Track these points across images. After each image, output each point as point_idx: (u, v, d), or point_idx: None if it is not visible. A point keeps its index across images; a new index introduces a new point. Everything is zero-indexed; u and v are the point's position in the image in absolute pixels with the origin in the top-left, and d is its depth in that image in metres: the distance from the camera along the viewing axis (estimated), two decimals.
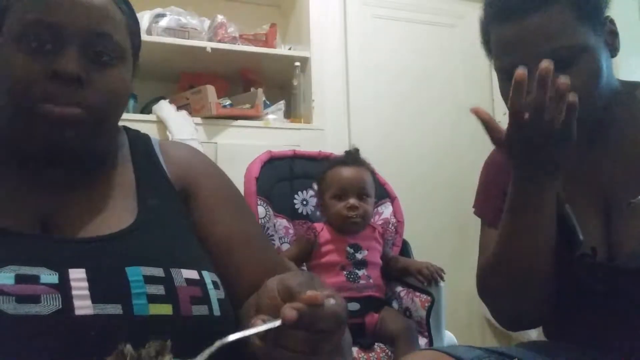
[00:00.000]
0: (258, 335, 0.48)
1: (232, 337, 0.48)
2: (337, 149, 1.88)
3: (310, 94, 2.45)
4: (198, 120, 2.18)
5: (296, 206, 1.75)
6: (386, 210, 1.80)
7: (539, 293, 0.89)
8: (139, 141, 0.81)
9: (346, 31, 2.65)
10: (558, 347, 0.93)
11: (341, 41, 2.64)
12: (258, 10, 2.73)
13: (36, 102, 0.63)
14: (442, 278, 1.54)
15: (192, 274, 0.66)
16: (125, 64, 0.71)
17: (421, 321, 1.49)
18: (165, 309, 0.62)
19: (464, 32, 2.78)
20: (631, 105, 0.91)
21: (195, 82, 2.34)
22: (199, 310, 0.64)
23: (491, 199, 0.99)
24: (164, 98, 2.25)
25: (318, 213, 1.75)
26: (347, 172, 1.58)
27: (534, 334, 1.92)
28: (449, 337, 1.58)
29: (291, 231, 1.69)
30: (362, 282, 1.50)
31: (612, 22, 0.89)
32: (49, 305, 0.56)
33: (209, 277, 0.68)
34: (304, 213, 1.75)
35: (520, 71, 0.74)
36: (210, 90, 2.20)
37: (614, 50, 0.89)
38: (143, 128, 0.85)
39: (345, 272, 1.50)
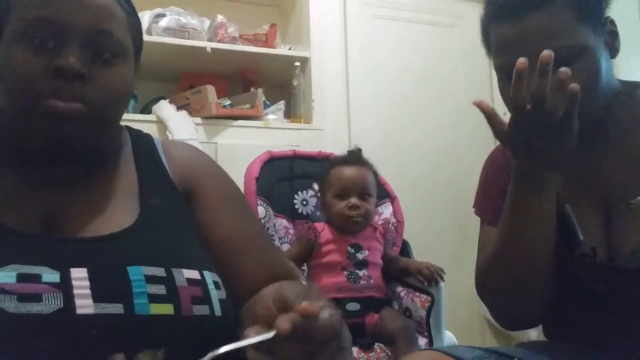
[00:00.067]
0: (252, 344, 0.48)
1: (226, 348, 0.48)
2: (337, 149, 1.88)
3: (310, 94, 2.45)
4: (198, 120, 2.18)
5: (296, 206, 1.75)
6: (386, 210, 1.80)
7: (539, 293, 0.90)
8: (141, 141, 0.81)
9: (346, 31, 2.65)
10: (558, 347, 0.93)
11: (341, 41, 2.64)
12: (258, 10, 2.73)
13: (39, 99, 0.64)
14: (442, 278, 1.54)
15: (194, 274, 0.67)
16: (126, 62, 0.71)
17: (421, 321, 1.49)
18: (167, 309, 0.62)
19: (464, 32, 2.78)
20: (631, 105, 0.91)
21: (195, 82, 2.34)
22: (200, 310, 0.64)
23: (491, 199, 0.99)
24: (164, 98, 2.25)
25: (318, 213, 1.75)
26: (349, 171, 1.58)
27: (534, 334, 1.92)
28: (449, 337, 1.58)
29: (291, 231, 1.69)
30: (362, 282, 1.50)
31: (612, 22, 0.89)
32: (51, 304, 0.56)
33: (210, 277, 0.69)
34: (304, 213, 1.75)
35: (522, 60, 0.74)
36: (210, 90, 2.20)
37: (614, 50, 0.89)
38: (143, 128, 0.85)
39: (346, 273, 1.50)
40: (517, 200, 0.86)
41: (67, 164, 0.70)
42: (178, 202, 0.76)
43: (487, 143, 2.33)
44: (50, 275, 0.58)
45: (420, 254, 1.75)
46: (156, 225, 0.70)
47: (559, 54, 0.78)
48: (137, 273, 0.62)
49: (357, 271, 1.51)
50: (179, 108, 2.19)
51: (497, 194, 0.96)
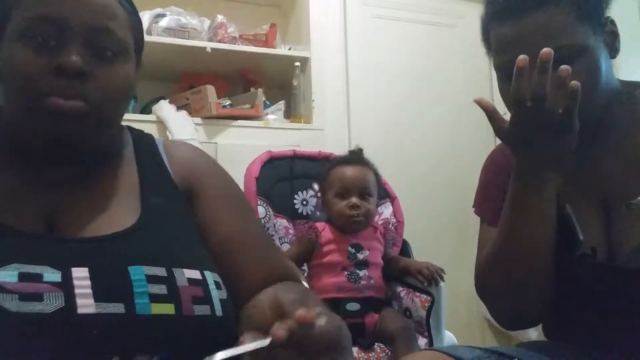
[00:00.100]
0: (248, 351, 0.48)
1: (221, 355, 0.47)
2: (337, 149, 1.88)
3: (310, 94, 2.45)
4: (198, 120, 2.18)
5: (296, 206, 1.75)
6: (386, 210, 1.80)
7: (538, 293, 0.89)
8: (143, 141, 0.81)
9: (346, 31, 2.65)
10: (558, 347, 0.93)
11: (341, 41, 2.64)
12: (258, 10, 2.73)
13: (40, 97, 0.64)
14: (442, 278, 1.54)
15: (195, 274, 0.67)
16: (128, 61, 0.72)
17: (421, 321, 1.49)
18: (168, 309, 0.62)
19: (464, 32, 2.78)
20: (631, 105, 0.91)
21: (195, 82, 2.34)
22: (201, 310, 0.64)
23: (491, 199, 0.99)
24: (164, 98, 2.25)
25: (318, 213, 1.75)
26: (350, 171, 1.58)
27: (534, 334, 1.93)
28: (449, 337, 1.57)
29: (291, 231, 1.69)
30: (363, 282, 1.50)
31: (612, 22, 0.89)
32: (52, 303, 0.56)
33: (211, 277, 0.69)
34: (304, 213, 1.75)
35: (522, 57, 0.75)
36: (210, 90, 2.20)
37: (614, 51, 0.89)
38: (143, 128, 0.85)
39: (346, 273, 1.50)
40: (517, 200, 0.86)
41: (68, 163, 0.70)
42: (179, 202, 0.76)
43: (487, 143, 2.34)
44: (52, 275, 0.58)
45: (420, 254, 1.75)
46: (157, 225, 0.70)
47: (559, 53, 0.78)
48: (138, 273, 0.62)
49: (358, 271, 1.51)
50: (179, 108, 2.19)
51: (497, 194, 0.96)
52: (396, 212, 1.80)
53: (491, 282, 0.93)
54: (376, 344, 1.45)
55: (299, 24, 2.61)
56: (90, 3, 0.67)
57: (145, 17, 2.20)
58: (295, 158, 1.80)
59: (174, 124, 2.08)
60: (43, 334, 0.55)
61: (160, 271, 0.64)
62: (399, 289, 1.61)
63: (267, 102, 2.42)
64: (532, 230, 0.86)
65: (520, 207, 0.86)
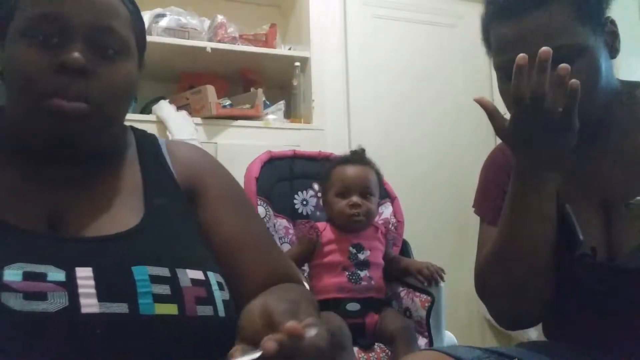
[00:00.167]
0: None
1: None
2: (337, 149, 1.88)
3: (310, 94, 2.45)
4: (198, 120, 2.18)
5: (296, 206, 1.75)
6: (386, 210, 1.80)
7: (538, 292, 0.89)
8: (146, 141, 0.81)
9: (346, 31, 2.65)
10: (558, 347, 0.93)
11: (341, 41, 2.64)
12: (258, 10, 2.73)
13: (44, 97, 0.64)
14: (442, 278, 1.54)
15: (198, 274, 0.67)
16: (130, 60, 0.72)
17: (421, 321, 1.49)
18: (171, 309, 0.62)
19: (464, 32, 2.78)
20: (631, 105, 0.91)
21: (195, 82, 2.34)
22: (204, 310, 0.64)
23: (491, 198, 0.99)
24: (164, 98, 2.25)
25: (318, 213, 1.75)
26: (351, 170, 1.58)
27: (534, 334, 1.92)
28: (449, 337, 1.57)
29: (291, 231, 1.69)
30: (363, 283, 1.49)
31: (612, 22, 0.89)
32: (56, 302, 0.57)
33: (214, 277, 0.69)
34: (304, 213, 1.75)
35: (522, 55, 0.75)
36: (210, 90, 2.20)
37: (614, 51, 0.89)
38: (143, 128, 0.85)
39: (347, 273, 1.50)
40: (516, 200, 0.86)
41: (70, 163, 0.70)
42: (182, 202, 0.76)
43: (487, 143, 2.33)
44: (56, 274, 0.58)
45: (420, 254, 1.75)
46: (161, 226, 0.71)
47: (559, 53, 0.78)
48: (141, 273, 0.62)
49: (359, 272, 1.51)
50: (179, 108, 2.19)
51: (497, 194, 0.96)
52: (396, 212, 1.80)
53: (491, 282, 0.93)
54: (376, 344, 1.45)
55: (299, 24, 2.61)
56: (93, 2, 0.68)
57: (145, 17, 2.20)
58: (295, 158, 1.80)
59: (174, 124, 2.08)
60: (47, 333, 0.55)
61: (164, 271, 0.64)
62: (399, 289, 1.61)
63: (267, 102, 2.42)
64: (532, 230, 0.86)
65: (520, 206, 0.86)
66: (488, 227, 0.99)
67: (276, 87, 2.60)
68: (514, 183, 0.86)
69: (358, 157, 1.64)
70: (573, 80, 0.74)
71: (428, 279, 1.52)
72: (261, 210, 1.61)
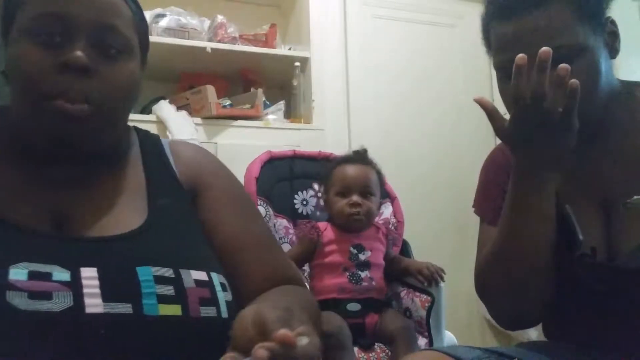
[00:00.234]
0: None
1: None
2: (337, 149, 1.88)
3: (310, 94, 2.45)
4: (198, 120, 2.18)
5: (296, 206, 1.75)
6: (386, 210, 1.80)
7: (538, 292, 0.89)
8: (149, 141, 0.82)
9: (346, 31, 2.66)
10: (558, 347, 0.93)
11: (341, 41, 2.64)
12: (258, 10, 2.73)
13: (47, 98, 0.64)
14: (442, 278, 1.54)
15: (201, 275, 0.67)
16: (132, 59, 0.72)
17: (421, 321, 1.49)
18: (175, 310, 0.62)
19: (464, 32, 2.78)
20: (631, 105, 0.91)
21: (195, 82, 2.34)
22: (207, 311, 0.65)
23: (491, 198, 0.99)
24: (164, 98, 2.25)
25: (318, 213, 1.75)
26: (351, 169, 1.58)
27: (534, 334, 1.92)
28: (449, 337, 1.57)
29: (291, 231, 1.69)
30: (364, 284, 1.49)
31: (612, 22, 0.89)
32: (60, 302, 0.57)
33: (217, 278, 0.69)
34: (304, 213, 1.75)
35: (521, 56, 0.75)
36: (210, 90, 2.20)
37: (614, 51, 0.89)
38: (143, 128, 0.85)
39: (347, 274, 1.49)
40: (516, 200, 0.86)
41: (73, 163, 0.70)
42: (185, 202, 0.77)
43: (487, 143, 2.34)
44: (61, 274, 0.59)
45: (420, 254, 1.75)
46: (164, 226, 0.71)
47: (559, 53, 0.78)
48: (146, 273, 0.62)
49: (359, 272, 1.50)
50: (179, 108, 2.19)
51: (496, 194, 0.96)
52: (396, 212, 1.80)
53: (491, 282, 0.93)
54: (376, 344, 1.45)
55: (299, 24, 2.61)
56: (96, 1, 0.68)
57: (146, 17, 2.19)
58: (295, 158, 1.80)
59: (174, 124, 2.08)
60: (51, 333, 0.56)
61: (168, 272, 0.64)
62: (399, 289, 1.61)
63: (267, 102, 2.42)
64: (532, 230, 0.86)
65: (520, 206, 0.86)
66: (488, 227, 0.99)
67: (276, 87, 2.60)
68: (514, 183, 0.86)
69: (359, 156, 1.64)
70: (573, 80, 0.74)
71: (428, 279, 1.52)
72: (261, 210, 1.61)
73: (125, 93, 0.71)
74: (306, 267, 1.60)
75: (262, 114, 2.31)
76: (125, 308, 0.59)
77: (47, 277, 0.58)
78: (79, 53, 0.65)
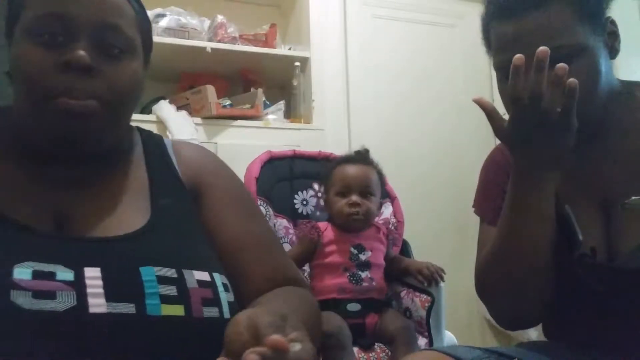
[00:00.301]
0: None
1: None
2: (337, 149, 1.88)
3: (310, 94, 2.45)
4: (198, 120, 2.18)
5: (296, 206, 1.75)
6: (386, 210, 1.80)
7: (538, 292, 0.89)
8: (152, 141, 0.82)
9: (346, 31, 2.66)
10: (558, 347, 0.93)
11: (341, 41, 2.64)
12: (258, 10, 2.73)
13: (50, 96, 0.64)
14: (442, 278, 1.54)
15: (204, 275, 0.67)
16: (135, 59, 0.72)
17: (421, 321, 1.49)
18: (177, 310, 0.62)
19: (464, 32, 2.79)
20: (631, 105, 0.91)
21: (195, 82, 2.34)
22: (210, 312, 0.65)
23: (491, 198, 1.00)
24: (164, 98, 2.25)
25: (318, 213, 1.75)
26: (352, 169, 1.58)
27: (534, 334, 1.93)
28: (449, 337, 1.57)
29: (291, 231, 1.69)
30: (364, 284, 1.49)
31: (612, 22, 0.89)
32: (64, 301, 0.57)
33: (219, 279, 0.69)
34: (304, 213, 1.75)
35: (518, 56, 0.75)
36: (210, 90, 2.20)
37: (614, 51, 0.89)
38: (143, 128, 0.85)
39: (348, 274, 1.49)
40: (516, 200, 0.86)
41: (76, 162, 0.71)
42: (188, 202, 0.77)
43: (487, 143, 2.33)
44: (65, 274, 0.59)
45: (420, 254, 1.75)
46: (167, 226, 0.71)
47: (559, 53, 0.78)
48: (149, 274, 0.62)
49: (360, 272, 1.50)
50: (179, 108, 2.19)
51: (496, 194, 0.96)
52: (396, 212, 1.80)
53: (491, 282, 0.93)
54: (376, 344, 1.45)
55: (299, 24, 2.61)
56: (98, 1, 0.68)
57: None
58: (295, 158, 1.80)
59: (174, 124, 2.08)
60: (54, 332, 0.56)
61: (171, 272, 0.64)
62: (399, 289, 1.61)
63: (267, 102, 2.42)
64: (532, 230, 0.86)
65: (519, 206, 0.86)
66: (488, 227, 0.99)
67: (276, 87, 2.61)
68: (513, 183, 0.86)
69: (360, 156, 1.64)
70: (571, 80, 0.74)
71: (428, 279, 1.52)
72: (261, 210, 1.61)
73: (128, 93, 0.71)
74: (306, 267, 1.60)
75: (262, 114, 2.32)
76: (128, 308, 0.59)
77: (51, 276, 0.58)
78: (81, 53, 0.65)
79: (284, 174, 1.76)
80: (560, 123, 0.78)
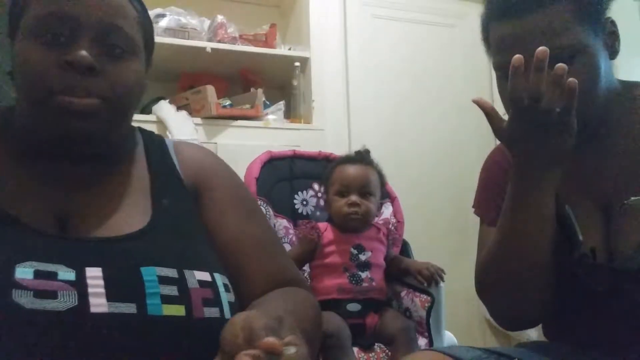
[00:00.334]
0: None
1: None
2: (337, 149, 1.88)
3: (310, 94, 2.45)
4: (198, 120, 2.18)
5: (296, 206, 1.75)
6: (386, 210, 1.80)
7: (538, 293, 0.89)
8: (153, 142, 0.82)
9: (346, 31, 2.65)
10: (558, 348, 0.93)
11: (341, 41, 2.64)
12: (258, 10, 2.73)
13: (52, 94, 0.65)
14: (442, 278, 1.54)
15: (205, 275, 0.67)
16: (137, 59, 0.72)
17: (421, 321, 1.49)
18: (178, 310, 0.62)
19: (464, 32, 2.78)
20: (631, 105, 0.91)
21: (195, 82, 2.34)
22: (211, 312, 0.65)
23: (490, 199, 1.00)
24: (164, 98, 2.25)
25: (318, 213, 1.75)
26: (351, 169, 1.58)
27: (534, 334, 1.93)
28: (449, 337, 1.57)
29: (291, 231, 1.69)
30: (364, 284, 1.49)
31: (612, 23, 0.89)
32: (65, 301, 0.57)
33: (220, 279, 0.69)
34: (304, 213, 1.75)
35: (517, 56, 0.75)
36: (210, 90, 2.20)
37: (613, 52, 0.89)
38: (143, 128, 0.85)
39: (348, 274, 1.49)
40: (516, 200, 0.86)
41: (77, 162, 0.71)
42: (189, 202, 0.77)
43: (487, 143, 2.33)
44: (66, 274, 0.59)
45: (420, 254, 1.75)
46: (168, 227, 0.71)
47: (558, 53, 0.78)
48: (150, 274, 0.63)
49: (360, 273, 1.50)
50: (179, 108, 2.19)
51: (496, 194, 0.96)
52: (396, 212, 1.80)
53: (491, 282, 0.93)
54: (376, 344, 1.45)
55: (299, 24, 2.61)
56: (101, 1, 0.69)
57: None
58: (295, 158, 1.80)
59: (174, 124, 2.08)
60: (55, 331, 0.56)
61: (172, 272, 0.64)
62: (399, 289, 1.61)
63: (267, 102, 2.42)
64: (532, 230, 0.86)
65: (519, 206, 0.86)
66: (488, 228, 0.99)
67: (276, 87, 2.61)
68: (513, 183, 0.86)
69: (360, 157, 1.64)
70: (570, 80, 0.74)
71: (428, 280, 1.52)
72: (262, 210, 1.61)
73: (130, 93, 0.71)
74: (306, 267, 1.60)
75: (262, 114, 2.32)
76: (130, 308, 0.60)
77: (52, 276, 0.58)
78: (83, 52, 0.65)
79: (284, 174, 1.76)
80: (559, 123, 0.78)
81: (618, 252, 0.86)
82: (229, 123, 2.23)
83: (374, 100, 2.67)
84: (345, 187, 1.56)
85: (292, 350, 0.49)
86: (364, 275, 1.50)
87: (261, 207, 1.60)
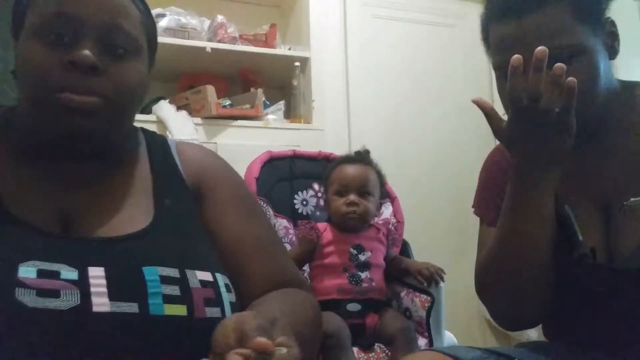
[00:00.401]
0: None
1: None
2: (337, 149, 1.88)
3: (310, 94, 2.45)
4: (198, 120, 2.18)
5: (296, 206, 1.75)
6: (386, 210, 1.80)
7: (538, 293, 0.89)
8: (156, 142, 0.83)
9: (346, 31, 2.65)
10: (558, 348, 0.93)
11: (341, 41, 2.64)
12: (258, 10, 2.73)
13: (54, 92, 0.65)
14: (442, 278, 1.54)
15: (206, 275, 0.67)
16: (139, 59, 0.73)
17: (421, 321, 1.49)
18: (180, 310, 0.63)
19: (464, 32, 2.78)
20: (631, 105, 0.91)
21: (195, 82, 2.34)
22: (212, 312, 0.65)
23: (490, 199, 1.00)
24: (163, 98, 2.25)
25: (318, 213, 1.75)
26: (350, 169, 1.59)
27: (534, 334, 1.93)
28: (449, 337, 1.57)
29: (291, 231, 1.69)
30: (364, 284, 1.49)
31: (612, 23, 0.89)
32: (68, 300, 0.57)
33: (222, 279, 0.69)
34: (304, 213, 1.75)
35: (516, 56, 0.75)
36: (210, 90, 2.20)
37: (613, 52, 0.89)
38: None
39: (347, 274, 1.49)
40: (515, 200, 0.86)
41: (80, 161, 0.71)
42: (191, 202, 0.77)
43: (487, 143, 2.34)
44: (69, 273, 0.59)
45: (420, 254, 1.75)
46: (171, 226, 0.71)
47: (558, 53, 0.78)
48: (152, 273, 0.63)
49: (359, 273, 1.50)
50: (179, 108, 2.19)
51: (496, 194, 0.96)
52: (396, 212, 1.80)
53: (491, 282, 0.93)
54: (376, 344, 1.45)
55: (299, 24, 2.61)
56: (104, 1, 0.69)
57: None
58: (295, 158, 1.80)
59: (174, 124, 2.08)
60: (58, 330, 0.56)
61: (174, 272, 0.65)
62: (399, 289, 1.61)
63: (267, 102, 2.42)
64: (532, 230, 0.86)
65: (519, 206, 0.86)
66: (488, 228, 0.99)
67: (276, 87, 2.61)
68: (512, 183, 0.86)
69: (359, 156, 1.64)
70: (570, 79, 0.74)
71: (428, 280, 1.52)
72: (263, 210, 1.61)
73: (133, 92, 0.72)
74: (306, 268, 1.60)
75: (262, 114, 2.32)
76: (132, 307, 0.60)
77: (55, 275, 0.59)
78: (86, 52, 0.65)
79: (284, 174, 1.76)
80: (559, 123, 0.78)
81: (618, 252, 0.86)
82: (229, 123, 2.23)
83: (374, 100, 2.67)
84: (343, 187, 1.56)
85: (283, 351, 0.49)
86: (363, 275, 1.50)
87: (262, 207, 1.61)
